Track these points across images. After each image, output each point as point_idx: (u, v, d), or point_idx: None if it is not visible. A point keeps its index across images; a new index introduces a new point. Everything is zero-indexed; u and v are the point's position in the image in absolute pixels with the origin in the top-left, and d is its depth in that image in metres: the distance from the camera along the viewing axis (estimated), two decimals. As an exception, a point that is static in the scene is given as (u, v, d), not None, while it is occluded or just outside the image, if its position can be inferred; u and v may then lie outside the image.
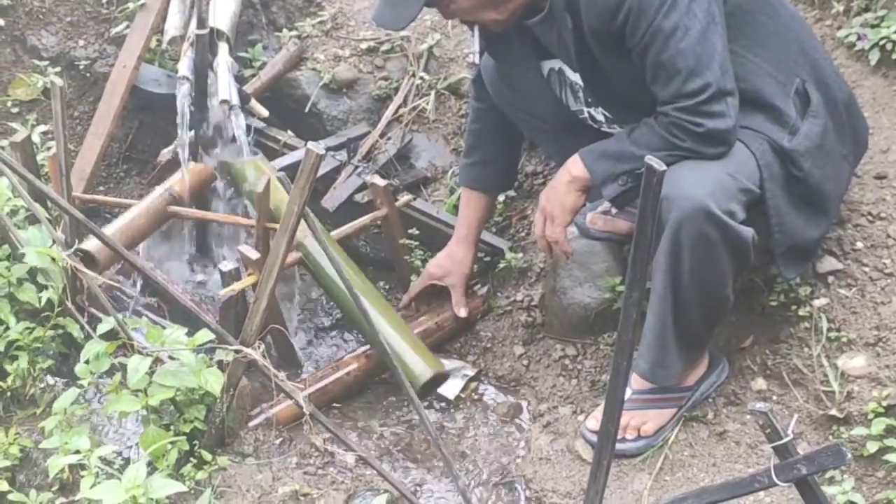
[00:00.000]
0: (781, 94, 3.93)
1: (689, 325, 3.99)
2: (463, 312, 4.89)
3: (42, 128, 5.54)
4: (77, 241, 4.26)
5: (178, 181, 5.25)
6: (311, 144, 3.26)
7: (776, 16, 3.98)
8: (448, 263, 4.87)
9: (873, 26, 4.77)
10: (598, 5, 3.76)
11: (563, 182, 4.06)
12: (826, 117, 3.97)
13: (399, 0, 3.86)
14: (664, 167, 2.62)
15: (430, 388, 4.62)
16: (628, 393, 4.17)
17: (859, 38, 4.79)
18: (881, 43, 4.71)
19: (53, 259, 4.37)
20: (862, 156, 4.28)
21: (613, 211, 4.51)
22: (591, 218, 4.56)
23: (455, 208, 5.15)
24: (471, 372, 4.79)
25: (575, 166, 4.03)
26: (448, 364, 4.79)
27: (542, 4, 3.97)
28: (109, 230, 4.95)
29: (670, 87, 3.75)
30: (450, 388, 4.71)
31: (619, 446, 4.03)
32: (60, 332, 4.54)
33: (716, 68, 3.71)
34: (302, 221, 3.40)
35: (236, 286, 4.51)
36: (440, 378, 4.66)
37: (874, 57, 4.72)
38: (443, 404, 4.68)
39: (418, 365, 4.56)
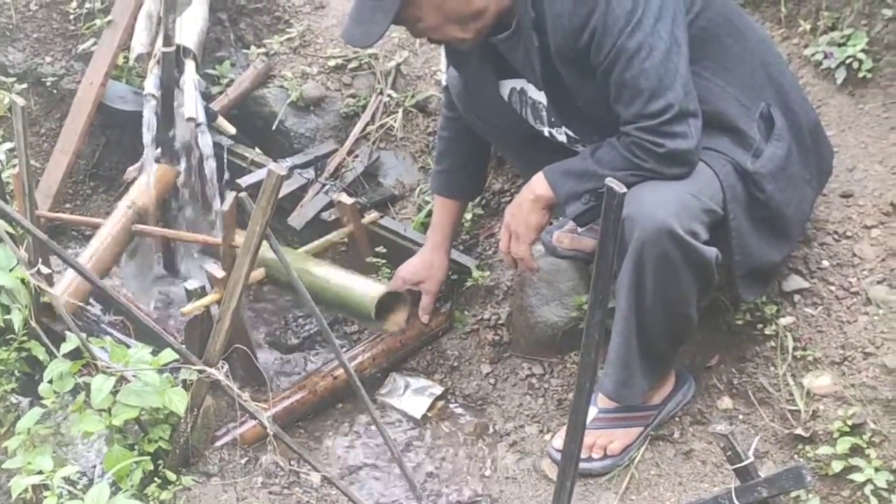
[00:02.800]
0: (745, 117, 3.92)
1: (653, 345, 3.99)
2: (426, 319, 4.89)
3: (8, 145, 5.49)
4: (40, 260, 4.24)
5: (142, 193, 5.23)
6: (272, 165, 3.25)
7: (742, 39, 3.98)
8: (423, 269, 4.86)
9: (840, 45, 4.77)
10: (565, 24, 3.76)
11: (528, 200, 4.06)
12: (790, 141, 3.97)
13: (367, 18, 3.85)
14: (624, 189, 2.62)
15: (384, 314, 4.70)
16: (594, 412, 4.17)
17: (826, 57, 4.79)
18: (847, 61, 4.71)
19: (23, 280, 4.34)
20: (826, 181, 4.28)
21: (580, 229, 4.51)
22: (558, 236, 4.56)
23: (423, 226, 5.15)
24: (437, 390, 4.77)
25: (539, 184, 4.02)
26: (414, 382, 4.79)
27: (508, 22, 3.97)
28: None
29: (633, 106, 3.75)
30: (416, 407, 4.70)
31: (585, 465, 4.04)
32: (24, 354, 4.51)
33: (678, 89, 3.71)
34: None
35: (200, 304, 4.49)
36: (392, 300, 4.72)
37: (840, 75, 4.73)
38: (409, 423, 4.67)
39: (368, 292, 4.63)
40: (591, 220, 4.03)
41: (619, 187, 2.60)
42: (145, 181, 5.31)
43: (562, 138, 4.25)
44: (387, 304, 4.69)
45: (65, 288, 4.86)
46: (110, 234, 5.14)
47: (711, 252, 3.78)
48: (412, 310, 4.83)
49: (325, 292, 4.67)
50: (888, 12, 4.61)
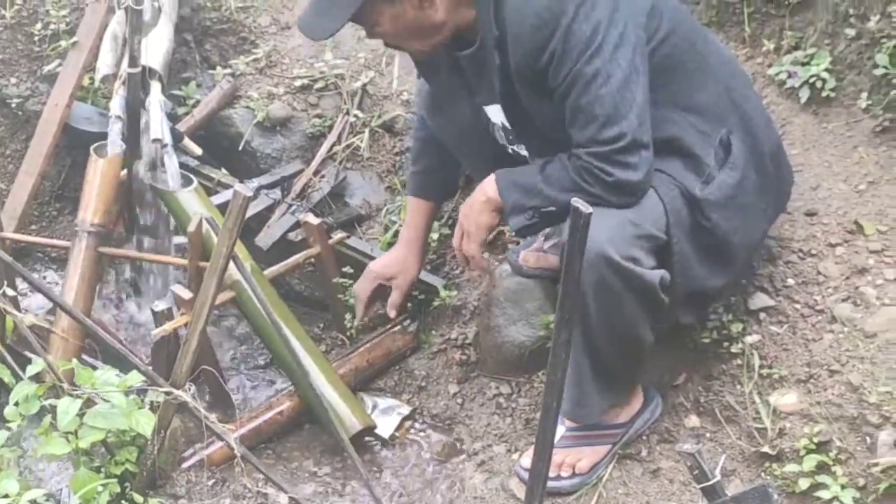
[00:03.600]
0: (703, 143, 3.94)
1: (605, 365, 4.02)
2: (393, 314, 4.90)
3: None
4: (5, 282, 4.22)
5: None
6: (238, 186, 3.25)
7: (706, 65, 3.99)
8: (396, 265, 4.87)
9: (803, 64, 4.81)
10: (525, 45, 3.77)
11: (479, 201, 4.09)
12: (746, 168, 3.99)
13: (325, 11, 3.85)
14: (591, 210, 2.63)
15: (358, 440, 4.59)
16: (562, 430, 4.18)
17: (790, 76, 4.83)
18: (811, 81, 4.75)
19: (-17, 302, 4.33)
20: (785, 205, 4.30)
21: (546, 246, 4.52)
22: (524, 256, 4.56)
23: (389, 246, 5.15)
24: (405, 410, 4.78)
25: (489, 187, 4.05)
26: (382, 402, 4.79)
27: (473, 39, 3.98)
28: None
29: (586, 131, 3.76)
30: (384, 427, 4.70)
31: (553, 484, 4.04)
32: (-11, 374, 4.49)
33: (633, 119, 3.72)
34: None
35: (167, 327, 4.48)
36: (367, 432, 4.66)
37: (804, 94, 4.76)
38: (377, 443, 4.67)
39: (348, 417, 4.55)
40: (532, 233, 4.12)
41: (586, 208, 2.61)
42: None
43: (524, 153, 4.26)
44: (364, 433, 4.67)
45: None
46: (83, 275, 5.09)
47: (654, 276, 3.80)
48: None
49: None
50: (851, 32, 4.66)
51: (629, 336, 3.95)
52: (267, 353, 5.30)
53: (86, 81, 5.84)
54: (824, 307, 4.17)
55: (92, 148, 5.24)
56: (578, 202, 2.62)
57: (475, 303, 4.89)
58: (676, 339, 4.33)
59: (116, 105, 5.37)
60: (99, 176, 5.15)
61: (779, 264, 4.32)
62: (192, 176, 5.27)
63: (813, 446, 3.90)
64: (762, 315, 4.26)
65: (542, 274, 4.55)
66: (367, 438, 4.66)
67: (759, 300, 4.28)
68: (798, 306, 4.22)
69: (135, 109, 5.32)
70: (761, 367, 4.14)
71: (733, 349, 4.21)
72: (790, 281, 4.28)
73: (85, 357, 4.89)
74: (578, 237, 2.65)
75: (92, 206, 5.10)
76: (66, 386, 3.90)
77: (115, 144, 5.23)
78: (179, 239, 5.36)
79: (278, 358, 4.86)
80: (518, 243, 4.81)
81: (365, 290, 4.95)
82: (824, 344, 4.09)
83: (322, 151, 5.58)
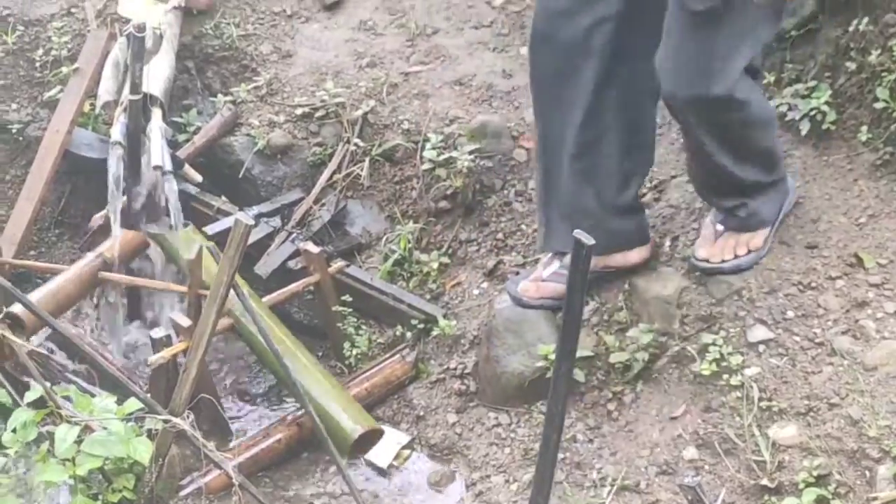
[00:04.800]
0: None
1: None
2: None
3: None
4: (4, 307, 4.22)
5: (109, 248, 5.23)
6: (240, 215, 3.27)
7: None
8: None
9: (804, 97, 4.81)
10: None
11: None
12: None
13: None
14: (592, 241, 2.63)
15: (364, 446, 4.60)
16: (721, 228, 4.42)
17: (790, 109, 4.83)
18: (811, 113, 4.75)
19: (-19, 326, 4.32)
20: None
21: (545, 275, 4.53)
22: (523, 286, 4.57)
23: (389, 275, 5.21)
24: (404, 440, 4.77)
25: None
26: (381, 432, 4.79)
27: None
28: (37, 295, 4.93)
29: None
30: (382, 456, 4.69)
31: (732, 263, 4.38)
32: (-12, 400, 4.48)
33: None
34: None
35: (166, 353, 4.47)
36: (374, 436, 4.63)
37: (805, 127, 4.76)
38: (375, 472, 4.66)
39: (348, 422, 4.53)
40: None
41: (588, 240, 2.61)
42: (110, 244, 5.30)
43: None
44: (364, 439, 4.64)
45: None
46: (76, 274, 5.11)
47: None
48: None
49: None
50: (851, 65, 4.66)
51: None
52: (265, 380, 5.31)
53: (86, 108, 5.85)
54: (824, 340, 4.17)
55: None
56: (581, 234, 2.62)
57: (474, 332, 4.89)
58: (675, 371, 4.33)
59: (117, 131, 5.39)
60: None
61: (778, 297, 4.31)
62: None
63: (812, 480, 3.88)
64: (761, 347, 4.25)
65: (542, 304, 4.56)
66: (364, 466, 4.66)
67: (759, 332, 4.27)
68: (797, 339, 4.21)
69: (135, 136, 5.33)
70: (760, 399, 4.13)
71: (733, 381, 4.20)
72: (790, 313, 4.27)
73: (81, 383, 4.89)
74: (580, 269, 2.65)
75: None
76: (64, 412, 3.90)
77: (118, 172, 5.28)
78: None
79: (281, 380, 4.84)
80: (517, 273, 4.82)
81: None
82: (824, 377, 4.08)
83: (322, 180, 5.58)
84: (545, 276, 4.56)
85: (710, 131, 4.10)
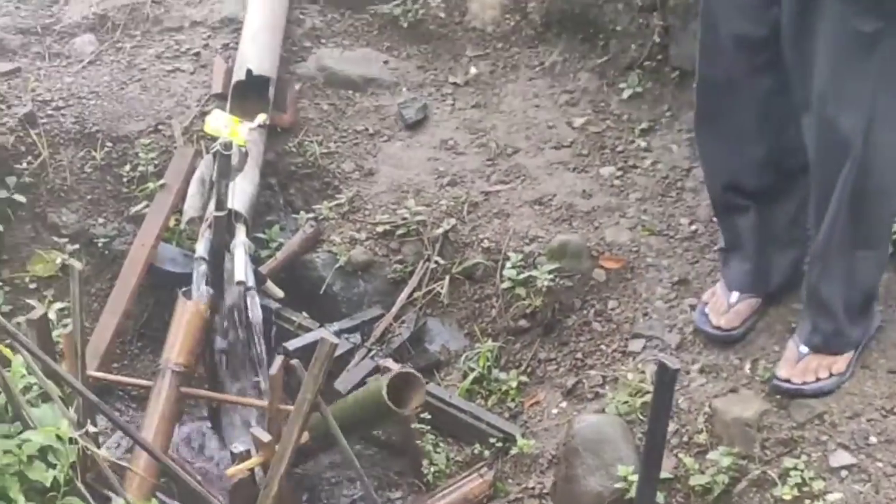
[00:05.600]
0: None
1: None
2: None
3: (59, 305, 5.55)
4: (89, 420, 4.26)
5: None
6: (324, 333, 3.29)
7: None
8: None
9: None
10: None
11: None
12: None
13: None
14: (677, 366, 2.64)
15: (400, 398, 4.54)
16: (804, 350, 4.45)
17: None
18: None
19: (60, 438, 4.35)
20: None
21: (732, 300, 4.78)
22: (726, 320, 4.80)
23: (468, 392, 5.20)
24: (481, 559, 4.76)
25: None
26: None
27: None
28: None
29: None
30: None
31: (814, 386, 4.40)
32: (68, 512, 4.50)
33: None
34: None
35: (242, 466, 4.49)
36: (403, 384, 4.57)
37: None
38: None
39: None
40: None
41: (672, 364, 2.62)
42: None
43: None
44: (399, 388, 4.58)
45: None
46: (162, 413, 5.14)
47: None
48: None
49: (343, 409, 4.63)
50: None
51: None
52: (342, 496, 5.31)
53: (171, 223, 5.92)
54: (908, 466, 4.13)
55: (180, 291, 5.32)
56: (665, 358, 2.63)
57: (553, 452, 4.87)
58: (756, 495, 4.29)
59: (202, 247, 5.47)
60: (185, 318, 5.22)
61: (861, 421, 4.28)
62: None
63: None
64: (844, 473, 4.20)
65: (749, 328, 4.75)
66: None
67: (841, 457, 4.23)
68: (881, 464, 4.17)
69: (219, 252, 5.41)
70: (844, 525, 4.10)
71: (815, 507, 4.17)
72: (872, 439, 4.23)
73: (161, 496, 4.91)
74: (665, 393, 2.65)
75: (177, 346, 5.17)
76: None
77: (201, 288, 5.31)
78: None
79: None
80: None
81: None
82: (907, 503, 4.05)
83: (402, 297, 5.62)
84: (734, 302, 4.64)
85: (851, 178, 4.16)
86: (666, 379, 2.61)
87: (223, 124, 5.82)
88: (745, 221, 4.72)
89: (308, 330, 5.57)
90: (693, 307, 5.00)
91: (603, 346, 5.15)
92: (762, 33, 4.31)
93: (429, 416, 5.11)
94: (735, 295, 4.76)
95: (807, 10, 4.05)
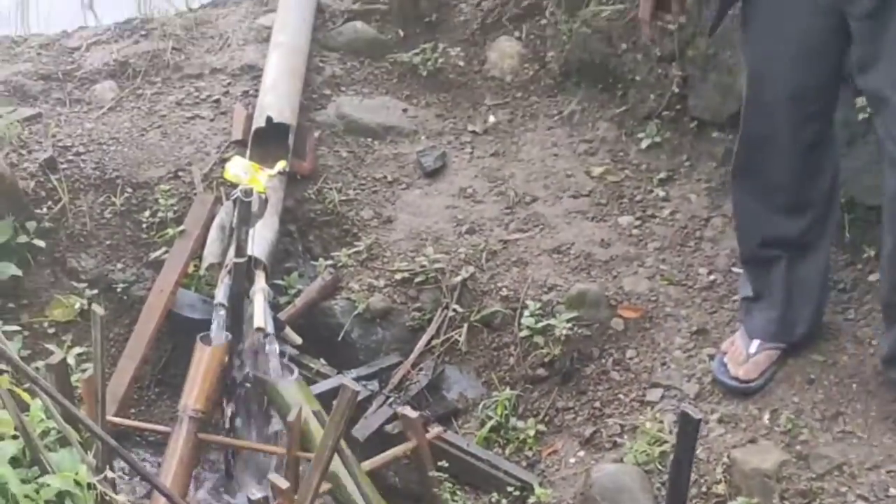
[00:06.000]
0: None
1: None
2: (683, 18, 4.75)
3: (77, 350, 5.56)
4: (108, 466, 4.26)
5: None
6: (346, 380, 3.30)
7: None
8: None
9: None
10: None
11: None
12: None
13: None
14: (700, 416, 2.64)
15: None
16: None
17: None
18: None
19: (79, 483, 4.36)
20: None
21: (752, 350, 4.79)
22: (744, 370, 4.80)
23: (486, 441, 5.20)
24: None
25: None
26: None
27: None
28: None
29: None
30: None
31: None
32: (87, 559, 4.50)
33: None
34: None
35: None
36: None
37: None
38: None
39: None
40: None
41: (696, 413, 2.62)
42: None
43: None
44: None
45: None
46: (181, 459, 5.13)
47: None
48: None
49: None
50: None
51: None
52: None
53: (191, 269, 5.94)
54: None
55: (199, 336, 5.32)
56: (688, 408, 2.63)
57: (570, 501, 4.86)
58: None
59: (221, 293, 5.47)
60: (204, 363, 5.22)
61: (881, 472, 4.31)
62: (293, 366, 5.34)
63: None
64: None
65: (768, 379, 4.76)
66: None
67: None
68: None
69: (239, 298, 5.42)
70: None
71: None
72: (892, 490, 4.25)
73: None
74: (687, 443, 2.65)
75: (195, 392, 5.17)
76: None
77: (220, 333, 5.31)
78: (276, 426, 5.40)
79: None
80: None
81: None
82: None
83: (421, 344, 5.62)
84: (753, 352, 4.66)
85: None
86: (688, 429, 2.61)
87: (243, 171, 5.86)
88: (777, 271, 4.73)
89: (326, 377, 5.57)
90: (711, 357, 5.01)
91: (621, 396, 5.15)
92: (820, 81, 4.39)
93: (447, 464, 5.10)
94: (755, 345, 4.76)
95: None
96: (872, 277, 4.90)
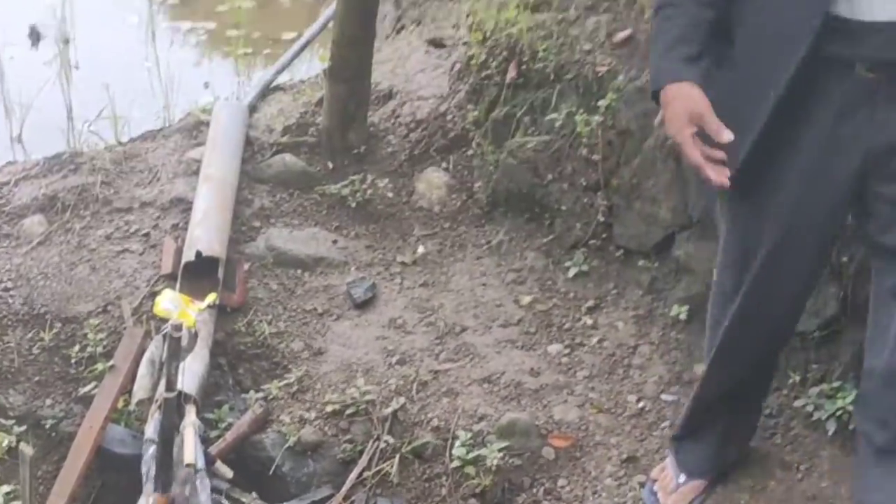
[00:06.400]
0: None
1: None
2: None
3: (6, 488, 5.52)
4: None
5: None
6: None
7: None
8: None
9: (829, 397, 4.88)
10: None
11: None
12: None
13: None
14: None
15: None
16: None
17: (816, 409, 4.89)
18: (837, 413, 4.80)
19: None
20: None
21: (681, 481, 4.74)
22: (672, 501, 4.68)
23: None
24: None
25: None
26: None
27: None
28: None
29: None
30: None
31: None
32: None
33: None
34: None
35: None
36: None
37: (831, 427, 4.81)
38: None
39: None
40: None
41: None
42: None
43: None
44: None
45: None
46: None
47: None
48: None
49: None
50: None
51: None
52: None
53: (120, 404, 5.91)
54: None
55: None
56: None
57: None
58: None
59: (151, 428, 5.44)
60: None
61: None
62: (224, 501, 5.31)
63: None
64: None
65: None
66: None
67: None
68: None
69: (169, 433, 5.39)
70: None
71: None
72: None
73: None
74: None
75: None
76: None
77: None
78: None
79: None
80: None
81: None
82: None
83: (352, 477, 5.59)
84: (682, 482, 4.76)
85: None
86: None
87: (173, 305, 5.87)
88: (722, 418, 4.74)
89: (258, 511, 5.55)
90: (642, 484, 5.04)
91: (553, 525, 5.17)
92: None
93: None
94: (683, 476, 4.79)
95: None
96: (797, 403, 4.96)
